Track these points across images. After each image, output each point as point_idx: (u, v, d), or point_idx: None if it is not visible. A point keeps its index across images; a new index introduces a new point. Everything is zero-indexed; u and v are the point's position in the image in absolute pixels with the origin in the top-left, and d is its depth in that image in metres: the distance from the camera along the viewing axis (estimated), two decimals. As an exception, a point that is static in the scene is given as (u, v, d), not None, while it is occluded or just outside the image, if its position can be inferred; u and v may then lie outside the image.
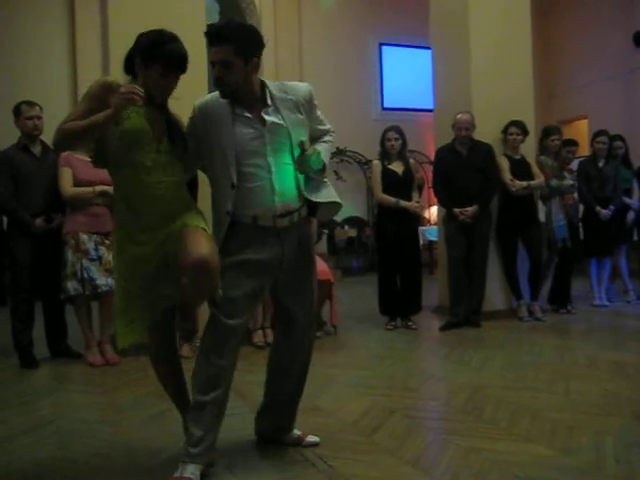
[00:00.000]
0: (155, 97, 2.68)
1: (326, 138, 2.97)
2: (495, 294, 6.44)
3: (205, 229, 2.65)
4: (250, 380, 4.35)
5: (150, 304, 2.69)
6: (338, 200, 2.91)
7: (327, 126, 3.01)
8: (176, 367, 2.96)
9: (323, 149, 2.85)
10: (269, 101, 2.73)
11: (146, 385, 4.30)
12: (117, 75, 5.21)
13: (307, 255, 2.93)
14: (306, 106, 2.82)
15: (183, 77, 5.07)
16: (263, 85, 2.76)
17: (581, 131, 10.78)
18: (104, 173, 4.93)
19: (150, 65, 2.62)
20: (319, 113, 2.94)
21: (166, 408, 3.71)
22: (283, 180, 2.74)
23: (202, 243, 2.54)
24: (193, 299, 2.73)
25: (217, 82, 2.68)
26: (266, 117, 2.71)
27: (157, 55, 2.61)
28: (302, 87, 2.86)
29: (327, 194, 2.89)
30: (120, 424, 3.51)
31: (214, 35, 2.64)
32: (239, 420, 3.46)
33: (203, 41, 5.55)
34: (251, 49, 2.64)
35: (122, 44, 5.23)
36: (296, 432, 3.10)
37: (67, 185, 4.86)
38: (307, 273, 2.95)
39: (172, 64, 2.63)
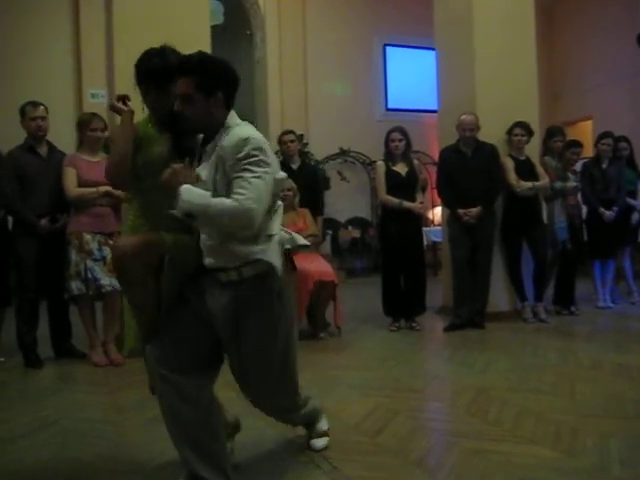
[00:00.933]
0: (156, 117, 2.68)
1: (226, 202, 2.35)
2: (499, 295, 6.43)
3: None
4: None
5: None
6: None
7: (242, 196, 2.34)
8: None
9: (196, 193, 2.36)
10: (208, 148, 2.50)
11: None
12: (121, 76, 5.25)
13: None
14: (230, 163, 2.39)
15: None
16: (223, 126, 2.49)
17: (585, 132, 10.76)
18: (108, 174, 4.98)
19: (139, 87, 2.68)
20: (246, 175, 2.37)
21: (170, 408, 3.72)
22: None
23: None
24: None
25: (176, 115, 2.50)
26: (197, 168, 2.50)
27: (137, 75, 2.68)
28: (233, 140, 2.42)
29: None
30: (124, 424, 3.52)
31: (177, 67, 2.51)
32: (246, 422, 3.45)
33: (208, 42, 5.60)
34: (215, 83, 2.46)
35: (126, 44, 5.30)
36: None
37: (71, 186, 4.86)
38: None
39: (147, 81, 2.64)
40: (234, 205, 2.32)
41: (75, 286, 4.83)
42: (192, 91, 2.43)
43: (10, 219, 5.16)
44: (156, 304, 2.56)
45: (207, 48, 5.54)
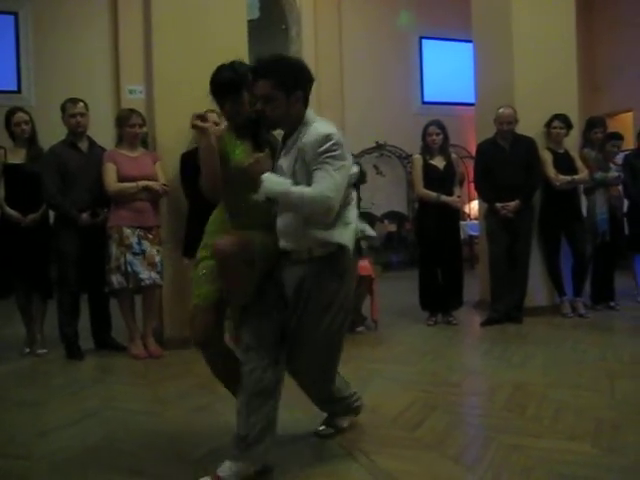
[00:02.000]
0: (233, 124, 2.91)
1: (305, 190, 2.59)
2: (537, 290, 6.36)
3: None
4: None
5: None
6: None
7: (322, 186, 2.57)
8: (222, 350, 3.01)
9: (276, 180, 2.61)
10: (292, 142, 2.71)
11: (189, 378, 4.37)
12: (158, 73, 5.30)
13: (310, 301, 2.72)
14: (311, 156, 2.60)
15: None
16: (302, 122, 2.70)
17: (626, 124, 10.57)
18: (147, 168, 5.08)
19: (215, 99, 2.93)
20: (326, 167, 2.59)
21: (210, 401, 3.78)
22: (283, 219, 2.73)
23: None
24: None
25: (260, 115, 2.73)
26: (279, 160, 2.75)
27: (212, 89, 2.93)
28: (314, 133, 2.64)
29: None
30: (164, 415, 3.57)
31: (256, 70, 2.72)
32: (282, 414, 3.48)
33: (244, 37, 5.62)
34: (293, 83, 2.66)
35: (164, 41, 5.35)
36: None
37: (111, 181, 4.94)
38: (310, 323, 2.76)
39: (221, 93, 2.89)
40: (314, 193, 2.56)
41: (115, 280, 4.91)
42: (272, 91, 2.63)
43: (51, 214, 5.27)
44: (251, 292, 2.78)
45: (244, 43, 5.58)
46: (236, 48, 5.49)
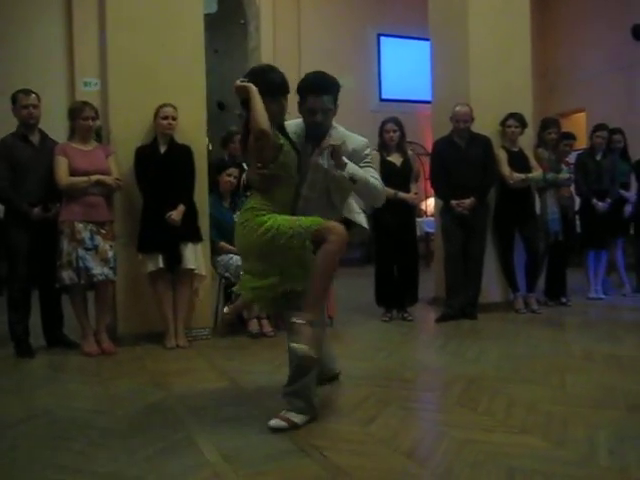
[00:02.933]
0: (276, 122, 3.13)
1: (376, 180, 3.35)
2: (491, 286, 6.45)
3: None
4: (247, 370, 4.39)
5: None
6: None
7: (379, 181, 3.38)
8: None
9: (354, 166, 3.23)
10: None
11: (142, 375, 4.32)
12: (113, 65, 5.22)
13: None
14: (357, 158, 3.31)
15: (181, 79, 5.06)
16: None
17: (579, 124, 10.77)
18: (100, 162, 5.00)
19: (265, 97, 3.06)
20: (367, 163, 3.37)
21: (162, 398, 3.74)
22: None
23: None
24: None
25: (317, 126, 3.26)
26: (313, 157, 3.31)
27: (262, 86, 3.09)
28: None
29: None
30: (116, 413, 3.51)
31: (316, 86, 3.28)
32: (236, 410, 3.47)
33: (201, 31, 5.58)
34: (337, 98, 3.29)
35: (119, 32, 5.27)
36: None
37: (63, 174, 4.84)
38: None
39: (270, 92, 3.09)
40: (381, 185, 3.35)
41: (67, 275, 4.81)
42: (332, 106, 3.26)
43: (1, 208, 5.15)
44: None
45: (200, 37, 5.54)
46: (192, 42, 5.47)
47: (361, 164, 3.27)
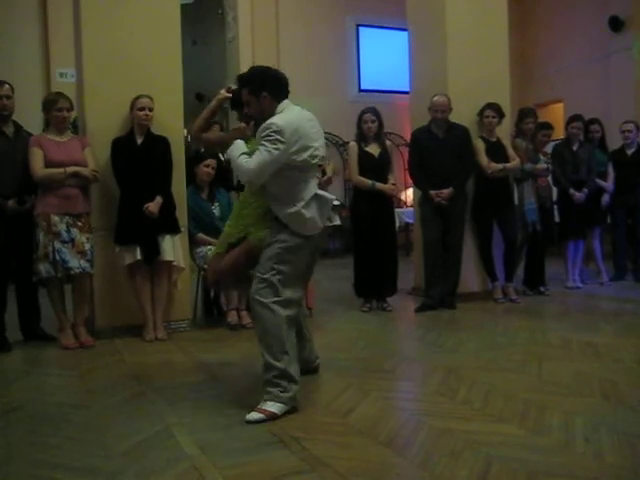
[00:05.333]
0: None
1: (242, 158, 3.37)
2: (470, 276, 6.47)
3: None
4: (226, 362, 4.38)
5: None
6: None
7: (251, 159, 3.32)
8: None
9: (237, 147, 3.43)
10: None
11: (121, 368, 4.30)
12: (89, 55, 5.15)
13: None
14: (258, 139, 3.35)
15: (157, 70, 5.01)
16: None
17: (557, 114, 10.83)
18: (76, 154, 4.94)
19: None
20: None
21: (141, 391, 3.73)
22: None
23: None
24: None
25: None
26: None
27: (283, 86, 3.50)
28: None
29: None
30: (94, 407, 3.49)
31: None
32: (214, 402, 3.46)
33: (177, 21, 5.53)
34: (258, 87, 3.40)
35: (94, 22, 5.21)
36: None
37: (37, 166, 4.77)
38: None
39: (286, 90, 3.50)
40: (243, 163, 3.31)
41: (43, 268, 4.76)
42: (247, 97, 3.44)
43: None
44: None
45: (176, 27, 5.48)
46: (168, 32, 5.42)
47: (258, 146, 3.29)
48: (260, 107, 3.40)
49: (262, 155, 3.21)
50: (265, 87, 3.38)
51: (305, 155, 3.29)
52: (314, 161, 3.36)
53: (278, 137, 3.19)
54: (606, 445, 2.72)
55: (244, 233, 3.66)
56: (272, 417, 3.13)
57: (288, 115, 3.33)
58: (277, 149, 3.20)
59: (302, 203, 3.30)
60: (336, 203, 3.63)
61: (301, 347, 3.66)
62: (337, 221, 3.66)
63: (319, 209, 3.37)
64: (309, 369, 3.86)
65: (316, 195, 3.37)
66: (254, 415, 3.13)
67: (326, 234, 3.59)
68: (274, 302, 3.26)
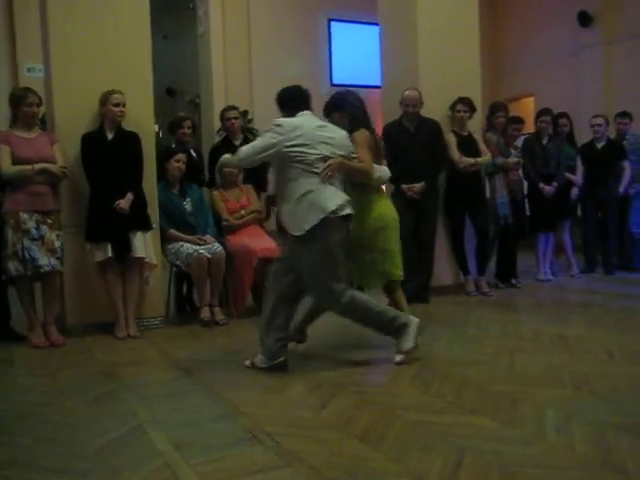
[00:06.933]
0: None
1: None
2: (443, 270, 6.51)
3: None
4: (199, 359, 4.35)
5: None
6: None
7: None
8: None
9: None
10: None
11: (92, 366, 4.26)
12: (56, 50, 5.07)
13: None
14: None
15: (126, 64, 4.94)
16: None
17: (528, 109, 10.92)
18: (44, 150, 4.87)
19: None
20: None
21: (112, 389, 3.70)
22: None
23: None
24: None
25: None
26: None
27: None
28: None
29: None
30: (65, 406, 3.45)
31: None
32: (188, 399, 3.45)
33: (146, 16, 5.46)
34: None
35: (61, 17, 5.13)
36: None
37: (5, 163, 4.69)
38: None
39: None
40: (244, 151, 3.95)
41: (12, 267, 4.69)
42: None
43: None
44: None
45: (146, 21, 5.43)
46: (137, 27, 5.36)
47: None
48: None
49: (257, 140, 3.95)
50: (281, 106, 4.10)
51: (301, 149, 3.76)
52: (312, 158, 3.77)
53: (276, 129, 3.79)
54: (577, 435, 2.75)
55: None
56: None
57: (294, 118, 3.90)
58: (273, 138, 3.77)
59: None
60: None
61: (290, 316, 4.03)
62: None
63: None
64: (298, 337, 4.40)
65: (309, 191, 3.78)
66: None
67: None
68: (342, 301, 3.89)
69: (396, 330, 3.97)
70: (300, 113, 3.95)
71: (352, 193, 4.03)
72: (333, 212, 3.76)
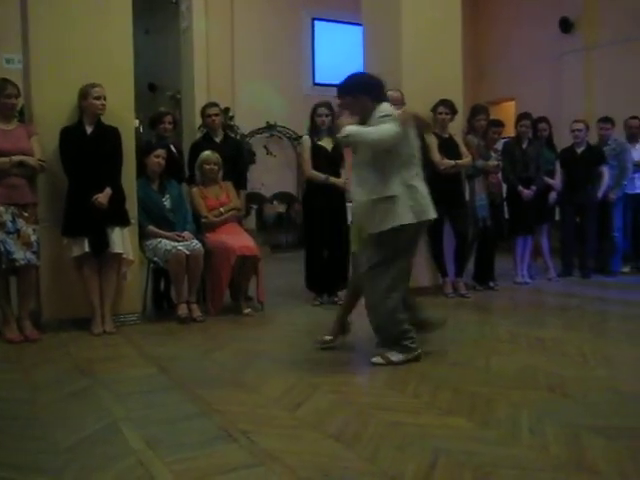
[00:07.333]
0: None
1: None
2: (421, 271, 6.51)
3: None
4: (176, 356, 4.33)
5: None
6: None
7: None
8: None
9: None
10: None
11: (67, 362, 4.22)
12: (35, 41, 5.01)
13: None
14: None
15: (107, 58, 4.87)
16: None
17: (509, 112, 10.99)
18: (22, 142, 4.81)
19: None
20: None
21: (87, 385, 3.67)
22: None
23: None
24: None
25: None
26: None
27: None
28: None
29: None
30: (39, 402, 3.42)
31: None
32: (163, 396, 3.42)
33: (129, 10, 5.43)
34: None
35: (41, 9, 5.07)
36: None
37: (-18, 155, 4.64)
38: None
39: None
40: (379, 133, 3.83)
41: (-13, 260, 4.63)
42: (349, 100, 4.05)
43: None
44: None
45: (128, 14, 5.38)
46: (119, 20, 5.32)
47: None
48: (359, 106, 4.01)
49: (385, 126, 3.82)
50: (367, 91, 4.04)
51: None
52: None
53: (391, 119, 3.86)
54: (551, 437, 2.76)
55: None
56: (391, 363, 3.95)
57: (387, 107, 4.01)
58: (397, 127, 3.85)
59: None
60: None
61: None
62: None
63: None
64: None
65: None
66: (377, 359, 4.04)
67: None
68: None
69: (400, 346, 4.02)
70: (385, 103, 4.00)
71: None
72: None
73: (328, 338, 4.43)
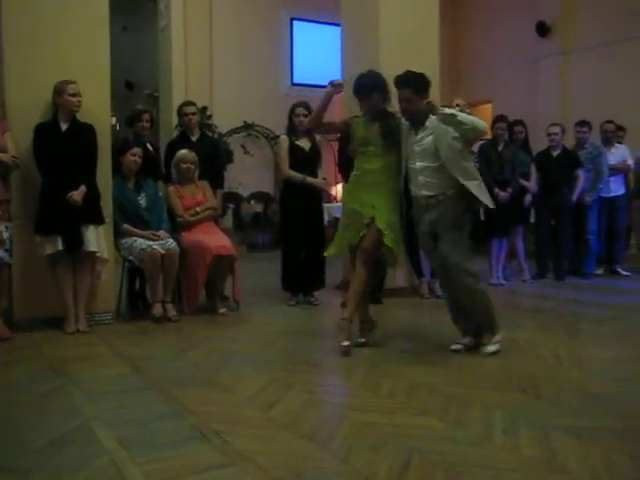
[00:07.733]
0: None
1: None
2: (397, 271, 6.51)
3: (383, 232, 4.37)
4: (150, 355, 4.30)
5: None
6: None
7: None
8: None
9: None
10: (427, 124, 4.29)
11: (40, 361, 4.17)
12: (10, 42, 4.95)
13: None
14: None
15: (82, 55, 4.83)
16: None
17: (486, 115, 11.06)
18: (-4, 139, 4.72)
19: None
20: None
21: (60, 384, 3.63)
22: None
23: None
24: None
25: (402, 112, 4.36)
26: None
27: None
28: None
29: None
30: (11, 401, 3.38)
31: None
32: (136, 396, 3.40)
33: (105, 9, 5.38)
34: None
35: (17, 12, 5.00)
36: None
37: (-46, 152, 4.58)
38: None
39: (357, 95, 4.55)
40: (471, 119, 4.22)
41: (-42, 257, 4.57)
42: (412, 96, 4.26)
43: None
44: None
45: (104, 14, 5.33)
46: (94, 17, 5.27)
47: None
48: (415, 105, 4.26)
49: (473, 117, 4.26)
50: (418, 89, 4.34)
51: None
52: None
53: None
54: (523, 438, 2.78)
55: (372, 214, 4.34)
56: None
57: None
58: None
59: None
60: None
61: None
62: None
63: None
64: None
65: None
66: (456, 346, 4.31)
67: None
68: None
69: (496, 326, 4.35)
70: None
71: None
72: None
73: (361, 340, 4.52)
